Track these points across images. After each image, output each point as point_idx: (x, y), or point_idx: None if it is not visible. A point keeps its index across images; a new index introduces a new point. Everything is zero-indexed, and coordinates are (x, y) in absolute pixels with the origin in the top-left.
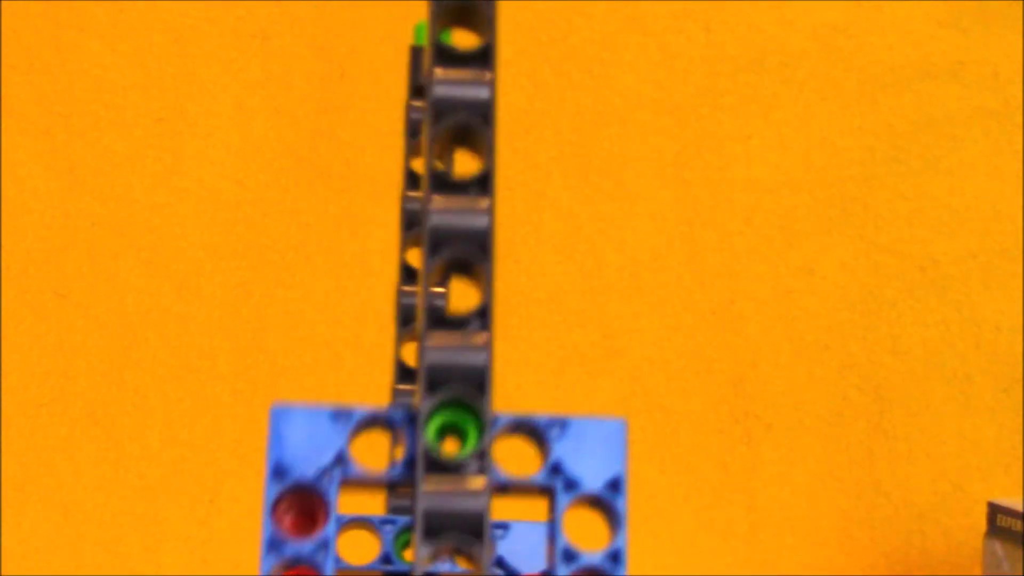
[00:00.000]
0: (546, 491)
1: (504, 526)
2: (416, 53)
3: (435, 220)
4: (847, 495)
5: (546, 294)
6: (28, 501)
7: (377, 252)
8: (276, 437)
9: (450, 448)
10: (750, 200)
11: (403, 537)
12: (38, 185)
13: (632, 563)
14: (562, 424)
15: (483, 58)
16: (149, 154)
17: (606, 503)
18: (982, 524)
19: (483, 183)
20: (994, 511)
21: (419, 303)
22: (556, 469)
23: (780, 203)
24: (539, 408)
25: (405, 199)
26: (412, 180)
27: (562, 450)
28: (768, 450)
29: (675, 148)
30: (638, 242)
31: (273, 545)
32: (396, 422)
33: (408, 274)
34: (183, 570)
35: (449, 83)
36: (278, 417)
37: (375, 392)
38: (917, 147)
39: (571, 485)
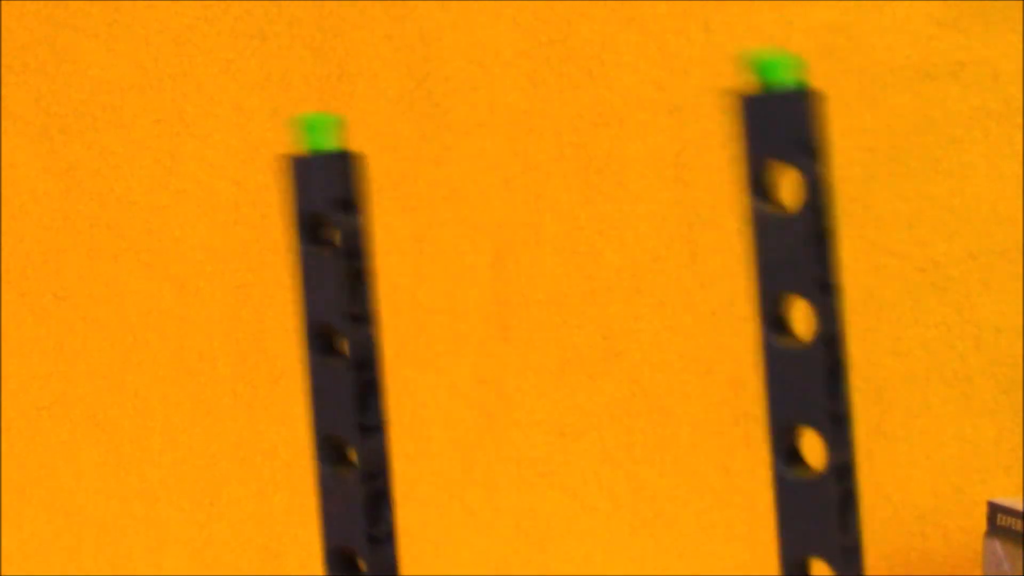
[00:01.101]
0: None
1: None
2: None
3: None
4: None
5: (546, 295)
6: (29, 503)
7: (376, 253)
8: None
9: None
10: None
11: None
12: (36, 187)
13: (633, 565)
14: None
15: None
16: (147, 155)
17: None
18: (982, 526)
19: None
20: (994, 510)
21: None
22: None
23: None
24: (538, 409)
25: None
26: None
27: None
28: (768, 452)
29: (675, 148)
30: (638, 242)
31: None
32: None
33: None
34: (183, 572)
35: None
36: None
37: None
38: (917, 147)
39: None
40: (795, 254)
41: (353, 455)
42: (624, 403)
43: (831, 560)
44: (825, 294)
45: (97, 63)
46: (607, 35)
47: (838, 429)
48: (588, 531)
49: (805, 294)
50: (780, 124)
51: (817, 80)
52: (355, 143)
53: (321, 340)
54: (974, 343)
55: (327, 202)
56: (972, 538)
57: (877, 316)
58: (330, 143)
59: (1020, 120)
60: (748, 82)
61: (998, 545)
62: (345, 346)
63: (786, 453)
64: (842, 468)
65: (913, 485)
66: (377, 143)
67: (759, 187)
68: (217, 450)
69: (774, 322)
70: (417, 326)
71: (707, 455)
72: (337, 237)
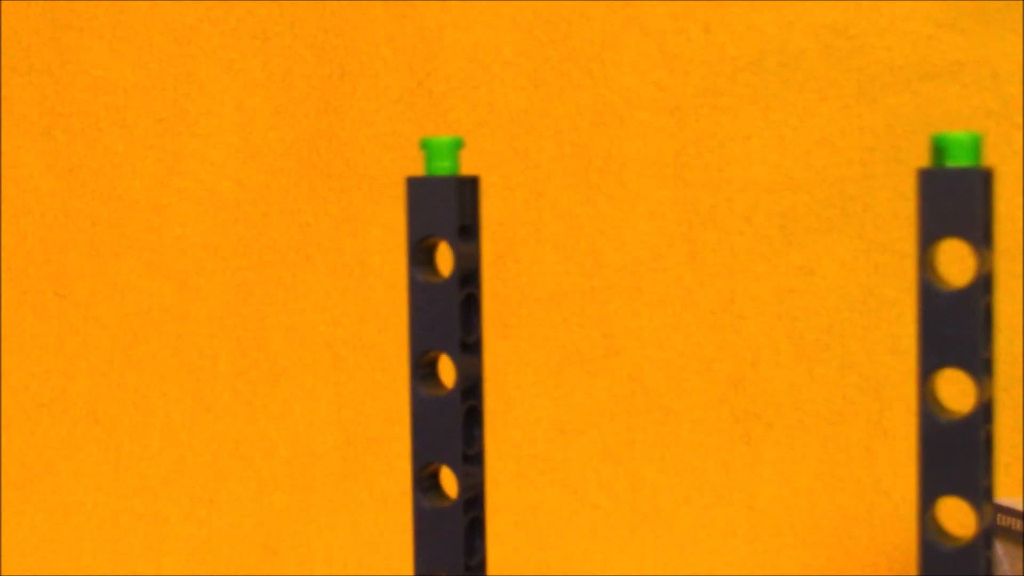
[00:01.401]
0: None
1: None
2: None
3: None
4: (847, 494)
5: (546, 294)
6: (28, 501)
7: (377, 252)
8: None
9: None
10: (750, 200)
11: None
12: (38, 185)
13: (632, 563)
14: None
15: None
16: (149, 154)
17: None
18: None
19: None
20: (994, 511)
21: None
22: None
23: (780, 203)
24: (538, 407)
25: None
26: None
27: None
28: (768, 449)
29: (675, 148)
30: (638, 242)
31: None
32: None
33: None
34: (183, 570)
35: None
36: None
37: (375, 391)
38: (917, 147)
39: None
40: (961, 329)
41: (452, 484)
42: (624, 401)
43: None
44: (986, 370)
45: (100, 63)
46: (607, 35)
47: (986, 499)
48: (588, 528)
49: (967, 368)
50: (955, 201)
51: (817, 80)
52: (354, 143)
53: (428, 367)
54: None
55: (444, 227)
56: None
57: (877, 315)
58: (451, 167)
59: (1020, 120)
60: (931, 160)
61: (998, 545)
62: (452, 374)
63: (933, 522)
64: (987, 535)
65: (913, 483)
66: (377, 143)
67: (930, 261)
68: (217, 447)
69: (934, 395)
70: None
71: (707, 453)
72: (452, 262)
